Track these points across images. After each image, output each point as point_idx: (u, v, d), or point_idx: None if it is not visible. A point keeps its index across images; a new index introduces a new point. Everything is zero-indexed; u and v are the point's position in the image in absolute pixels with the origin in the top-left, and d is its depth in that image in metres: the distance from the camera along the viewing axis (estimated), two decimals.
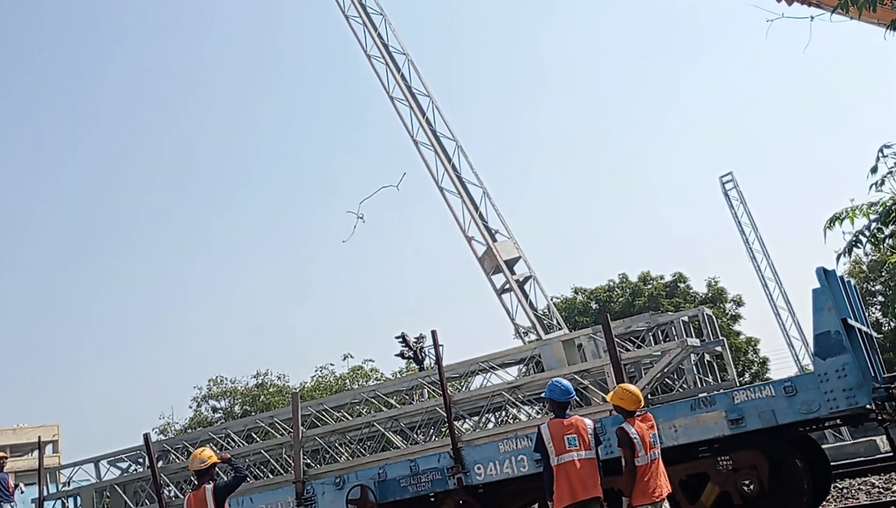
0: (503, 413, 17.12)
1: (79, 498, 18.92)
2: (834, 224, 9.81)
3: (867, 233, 9.51)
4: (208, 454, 11.55)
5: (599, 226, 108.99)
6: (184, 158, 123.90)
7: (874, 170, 9.65)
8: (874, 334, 13.39)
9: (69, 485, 19.79)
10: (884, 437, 15.51)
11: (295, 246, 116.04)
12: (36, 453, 18.07)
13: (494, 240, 21.49)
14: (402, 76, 23.98)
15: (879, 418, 11.22)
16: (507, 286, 20.78)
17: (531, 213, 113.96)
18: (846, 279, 12.29)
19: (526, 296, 21.16)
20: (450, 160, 22.75)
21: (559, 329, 20.56)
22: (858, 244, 9.62)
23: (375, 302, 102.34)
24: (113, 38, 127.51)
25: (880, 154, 9.62)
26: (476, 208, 22.10)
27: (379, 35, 24.40)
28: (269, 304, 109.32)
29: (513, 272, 21.21)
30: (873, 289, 43.49)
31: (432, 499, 14.07)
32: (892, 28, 9.26)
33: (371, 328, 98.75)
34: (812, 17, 9.75)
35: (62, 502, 19.21)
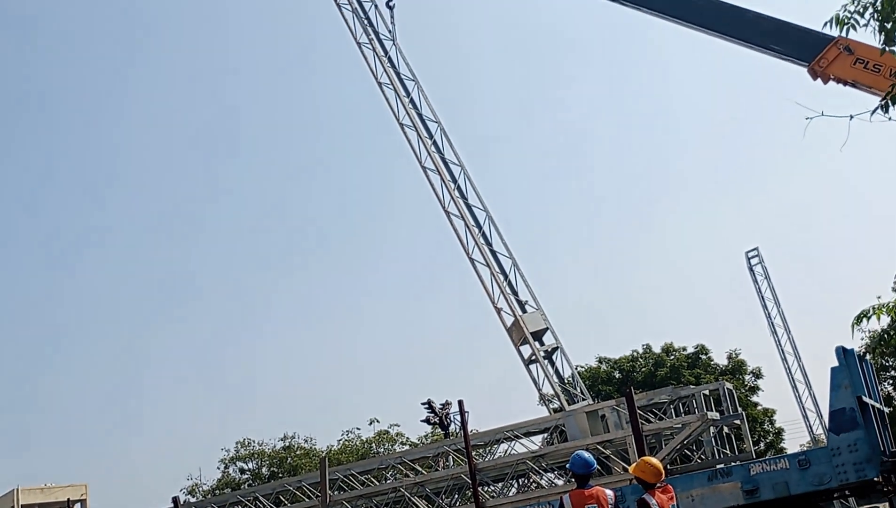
0: (527, 480, 17.45)
1: None
2: (861, 321, 10.20)
3: (892, 332, 9.96)
4: None
5: (626, 296, 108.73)
6: (228, 225, 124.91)
7: None
8: (886, 410, 13.79)
9: None
10: (886, 505, 15.80)
11: (327, 312, 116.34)
12: None
13: (524, 311, 21.75)
14: (435, 144, 24.15)
15: (885, 489, 11.61)
16: (534, 358, 21.02)
17: (558, 281, 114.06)
18: (863, 357, 12.75)
19: (553, 366, 21.40)
20: (480, 229, 22.94)
21: (583, 399, 20.75)
22: (883, 344, 10.07)
23: (402, 366, 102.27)
24: (173, 114, 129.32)
25: None
26: (505, 278, 22.34)
27: (413, 103, 24.62)
28: (297, 366, 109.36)
29: (541, 343, 21.40)
30: (887, 363, 43.56)
31: None
32: None
33: (398, 393, 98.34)
34: (851, 117, 9.79)
35: None
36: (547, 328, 21.33)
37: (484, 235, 23.09)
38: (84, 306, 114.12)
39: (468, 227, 22.95)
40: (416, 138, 24.32)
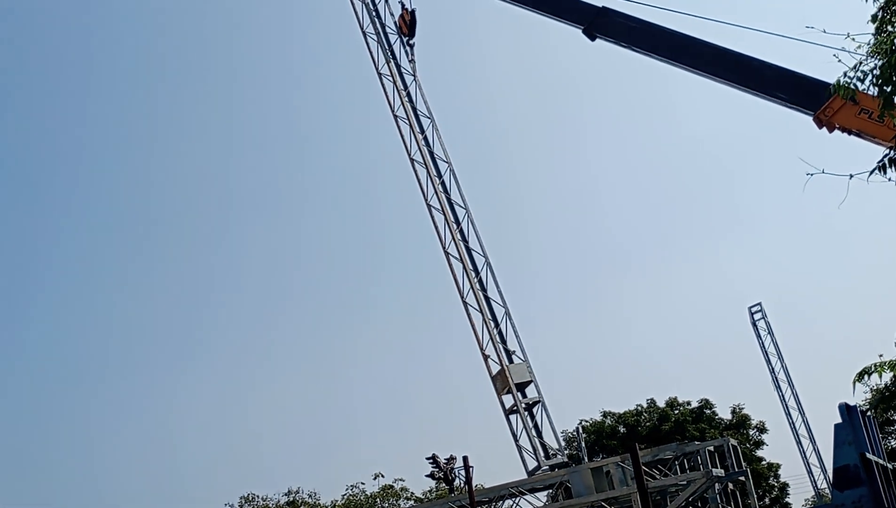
0: None
1: None
2: (863, 377, 10.32)
3: (893, 388, 10.09)
4: None
5: (630, 350, 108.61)
6: (229, 267, 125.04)
7: None
8: (891, 466, 13.83)
9: None
10: None
11: (326, 364, 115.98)
12: None
13: (510, 361, 21.67)
14: (443, 183, 24.26)
15: None
16: (515, 408, 20.96)
17: (562, 334, 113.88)
18: (867, 413, 12.83)
19: (532, 419, 21.28)
20: (477, 275, 22.95)
21: (560, 456, 20.54)
22: (885, 402, 10.21)
23: (408, 419, 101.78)
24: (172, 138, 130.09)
25: None
26: (496, 326, 22.25)
27: (427, 144, 24.55)
28: (301, 419, 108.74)
29: (524, 395, 21.37)
30: (891, 418, 43.45)
31: None
32: None
33: (403, 446, 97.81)
34: (851, 176, 9.88)
35: None
36: (531, 381, 21.30)
37: (480, 281, 22.99)
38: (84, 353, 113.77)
39: (466, 271, 22.89)
40: (425, 174, 24.41)
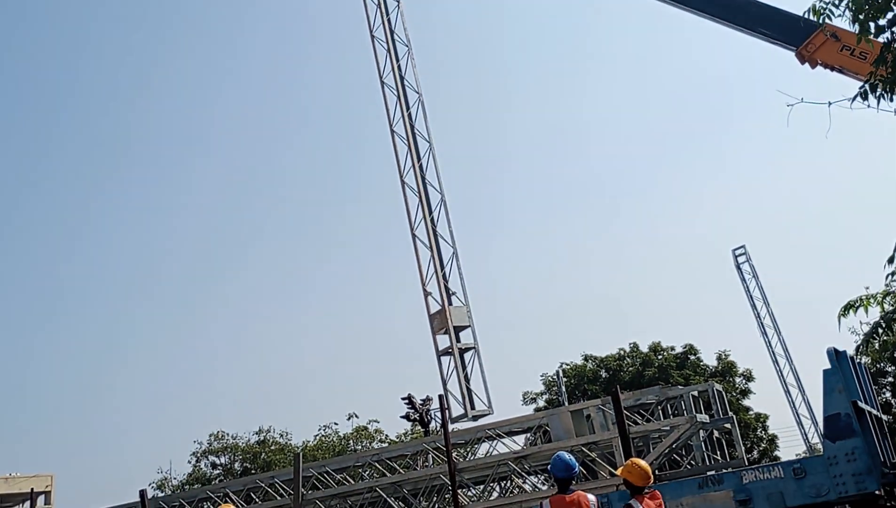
0: (508, 484, 16.88)
1: None
2: (848, 312, 9.79)
3: (883, 324, 9.48)
4: None
5: (614, 292, 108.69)
6: (195, 215, 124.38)
7: (891, 260, 9.59)
8: (885, 418, 13.25)
9: None
10: None
11: (303, 303, 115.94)
12: (27, 504, 17.81)
13: (450, 303, 21.13)
14: (410, 115, 23.03)
15: (889, 505, 11.05)
16: (449, 350, 20.49)
17: (544, 275, 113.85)
18: (857, 361, 12.21)
19: (464, 366, 20.81)
20: (430, 211, 22.25)
21: (485, 409, 20.14)
22: (875, 336, 9.59)
23: (384, 360, 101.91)
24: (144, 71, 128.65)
25: None
26: (442, 267, 21.66)
27: (401, 71, 23.40)
28: (274, 358, 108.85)
29: (458, 339, 20.91)
30: (884, 369, 43.18)
31: None
32: None
33: (378, 387, 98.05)
34: (830, 103, 9.81)
35: None
36: (468, 326, 20.80)
37: (432, 218, 22.21)
38: (57, 293, 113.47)
39: (421, 202, 22.05)
40: (395, 101, 23.46)
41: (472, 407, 19.71)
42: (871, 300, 9.63)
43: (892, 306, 9.53)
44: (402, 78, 23.43)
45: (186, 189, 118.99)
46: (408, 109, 23.19)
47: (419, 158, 22.76)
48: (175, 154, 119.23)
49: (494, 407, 20.11)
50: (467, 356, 20.64)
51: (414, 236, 21.85)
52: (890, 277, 9.62)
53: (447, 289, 21.19)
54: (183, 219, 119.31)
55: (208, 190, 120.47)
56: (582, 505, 9.24)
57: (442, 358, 20.55)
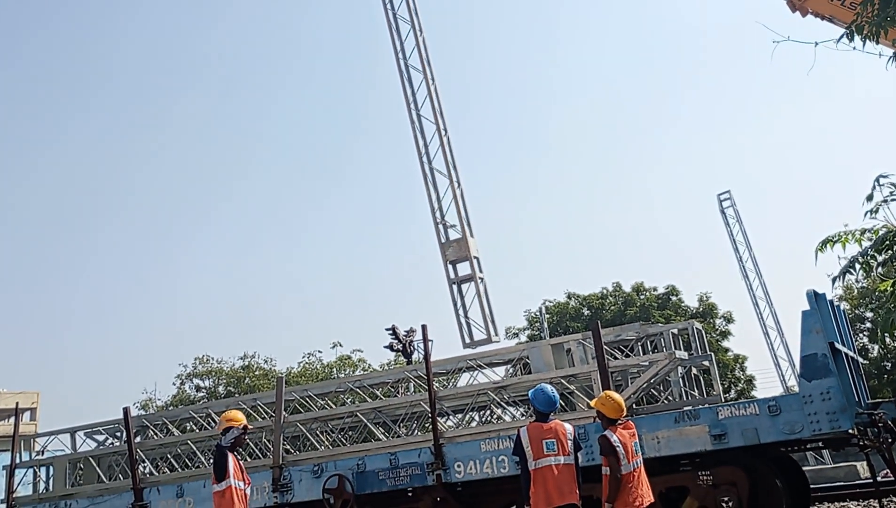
0: (487, 413, 17.07)
1: (52, 468, 18.66)
2: (825, 247, 9.83)
3: (861, 260, 9.52)
4: (232, 415, 10.47)
5: (598, 232, 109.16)
6: (187, 137, 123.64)
7: (870, 198, 9.67)
8: (861, 360, 13.42)
9: (43, 455, 19.59)
10: (864, 463, 15.53)
11: (296, 231, 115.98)
12: (12, 419, 17.87)
13: (471, 234, 20.91)
14: (422, 41, 22.50)
15: (861, 443, 11.23)
16: (469, 276, 20.47)
17: (530, 214, 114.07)
18: (836, 304, 12.32)
19: (462, 296, 20.79)
20: (446, 132, 21.41)
21: (488, 341, 20.42)
22: (852, 271, 9.63)
23: (370, 292, 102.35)
24: (116, 15, 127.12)
25: (876, 183, 9.64)
26: (462, 199, 21.36)
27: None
28: (262, 286, 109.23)
29: (480, 269, 20.84)
30: (863, 316, 43.64)
31: (409, 494, 14.03)
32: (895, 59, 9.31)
33: (363, 318, 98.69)
34: (816, 43, 9.84)
35: (34, 470, 18.99)
36: (476, 257, 20.79)
37: (450, 147, 21.86)
38: (52, 213, 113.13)
39: (439, 132, 21.73)
40: (398, 42, 22.88)
41: (496, 333, 20.04)
42: (849, 237, 9.66)
43: (870, 240, 9.57)
44: (416, 10, 22.82)
45: (181, 111, 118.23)
46: (415, 41, 22.66)
47: (433, 80, 22.29)
48: (171, 75, 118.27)
49: (479, 340, 20.32)
50: (471, 284, 20.70)
51: (430, 165, 21.58)
52: (868, 214, 9.68)
53: (466, 217, 21.02)
54: (180, 143, 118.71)
55: (202, 112, 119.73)
56: (559, 434, 9.40)
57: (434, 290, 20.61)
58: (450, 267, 20.93)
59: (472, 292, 20.75)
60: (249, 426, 10.82)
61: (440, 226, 21.04)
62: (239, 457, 10.55)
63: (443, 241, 20.91)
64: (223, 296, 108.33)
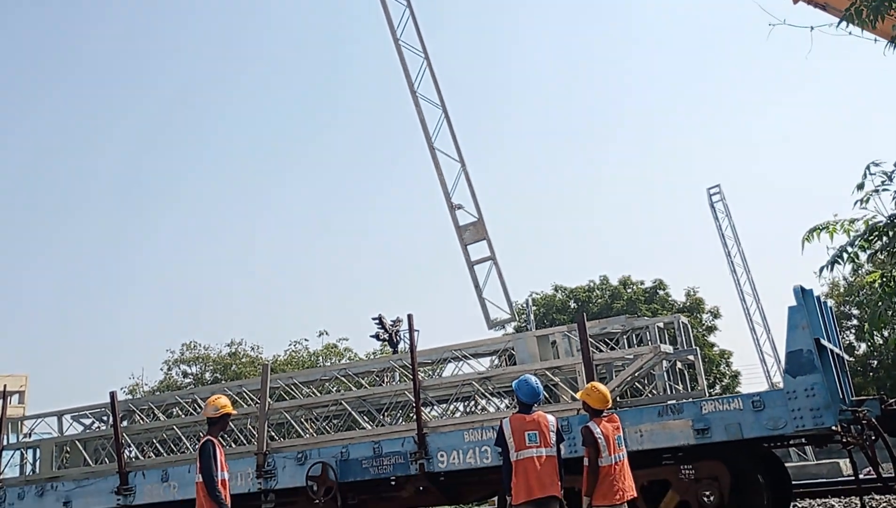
0: (472, 404, 17.09)
1: (38, 451, 18.68)
2: (812, 236, 9.79)
3: (849, 250, 9.49)
4: (225, 402, 10.59)
5: (586, 225, 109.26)
6: (166, 104, 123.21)
7: (860, 187, 9.62)
8: (846, 356, 13.45)
9: (30, 437, 19.60)
10: (847, 460, 15.57)
11: (285, 217, 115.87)
12: (0, 402, 17.83)
13: (480, 216, 20.78)
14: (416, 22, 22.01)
15: (844, 440, 11.27)
16: (488, 257, 20.40)
17: (520, 205, 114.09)
18: (823, 300, 12.34)
19: (500, 274, 20.73)
20: (448, 118, 21.11)
21: (512, 319, 20.60)
22: (840, 261, 9.59)
23: (357, 281, 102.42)
24: None
25: (867, 172, 9.58)
26: (469, 181, 21.19)
27: None
28: (250, 273, 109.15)
29: (493, 253, 20.77)
30: (849, 313, 43.90)
31: (393, 483, 14.06)
32: (893, 43, 9.25)
33: (350, 308, 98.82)
34: (812, 28, 9.82)
35: (21, 453, 18.98)
36: (485, 239, 20.76)
37: (451, 127, 21.52)
38: (37, 196, 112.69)
39: (445, 112, 21.47)
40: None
41: (515, 316, 20.03)
42: (837, 227, 9.63)
43: (859, 231, 9.53)
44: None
45: (164, 77, 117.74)
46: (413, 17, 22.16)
47: (429, 62, 21.99)
48: (152, 39, 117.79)
49: (465, 333, 20.39)
50: (486, 266, 20.78)
51: (433, 147, 21.35)
52: (858, 203, 9.63)
53: (475, 200, 20.89)
54: (164, 114, 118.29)
55: (183, 81, 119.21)
56: (541, 425, 9.40)
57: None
58: (467, 249, 20.94)
59: (487, 275, 20.79)
60: (234, 412, 10.88)
61: (454, 210, 20.97)
62: (222, 444, 10.61)
63: (460, 223, 20.87)
64: (211, 282, 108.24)
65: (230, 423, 15.83)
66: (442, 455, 13.15)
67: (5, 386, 19.81)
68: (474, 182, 20.91)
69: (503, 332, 23.16)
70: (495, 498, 14.60)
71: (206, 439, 10.33)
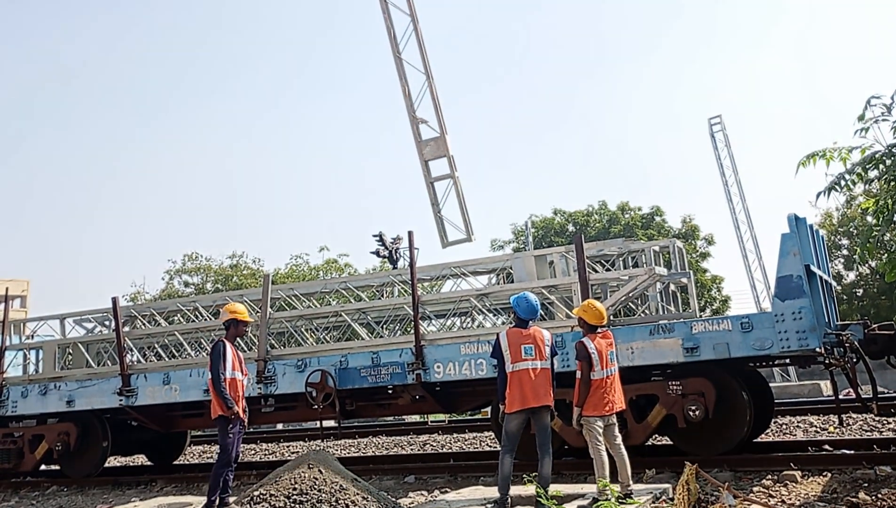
0: (469, 320, 17.41)
1: (41, 352, 19.04)
2: (809, 162, 9.96)
3: (847, 177, 9.69)
4: (238, 309, 11.07)
5: (587, 150, 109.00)
6: (183, 23, 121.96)
7: (861, 118, 9.75)
8: (834, 284, 13.76)
9: (33, 339, 19.86)
10: (828, 381, 16.06)
11: (290, 133, 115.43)
12: (2, 304, 18.08)
13: (446, 132, 20.44)
14: None
15: (827, 362, 11.68)
16: (447, 174, 20.12)
17: (519, 127, 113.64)
18: (815, 229, 12.63)
19: (461, 193, 20.41)
20: (418, 29, 20.97)
21: (468, 240, 20.35)
22: (837, 187, 9.80)
23: (361, 198, 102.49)
24: None
25: (868, 104, 9.72)
26: (434, 95, 20.69)
27: None
28: (255, 187, 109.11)
29: (455, 169, 20.44)
30: (839, 243, 44.44)
31: (390, 391, 14.49)
32: None
33: (352, 224, 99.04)
34: None
35: (24, 353, 19.29)
36: (452, 157, 20.47)
37: (420, 42, 20.94)
38: (43, 102, 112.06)
39: (414, 22, 20.86)
40: None
41: (473, 233, 19.96)
42: (835, 154, 9.80)
43: (856, 161, 9.70)
44: None
45: None
46: None
47: None
48: None
49: (464, 252, 20.43)
50: (446, 183, 20.62)
51: (400, 58, 21.07)
52: (859, 132, 9.76)
53: (439, 116, 20.47)
54: (179, 24, 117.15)
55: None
56: (537, 339, 9.74)
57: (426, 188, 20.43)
58: (427, 166, 20.70)
59: (446, 193, 20.57)
60: (252, 321, 11.23)
61: (416, 124, 20.67)
62: (238, 349, 11.05)
63: (422, 139, 20.63)
64: (215, 193, 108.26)
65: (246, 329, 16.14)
66: (438, 367, 13.52)
67: (7, 289, 20.11)
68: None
69: (502, 253, 23.38)
70: (488, 408, 15.01)
71: (218, 340, 10.83)
